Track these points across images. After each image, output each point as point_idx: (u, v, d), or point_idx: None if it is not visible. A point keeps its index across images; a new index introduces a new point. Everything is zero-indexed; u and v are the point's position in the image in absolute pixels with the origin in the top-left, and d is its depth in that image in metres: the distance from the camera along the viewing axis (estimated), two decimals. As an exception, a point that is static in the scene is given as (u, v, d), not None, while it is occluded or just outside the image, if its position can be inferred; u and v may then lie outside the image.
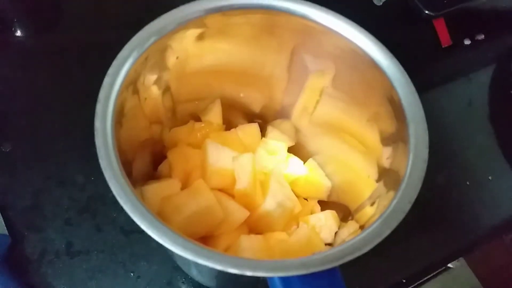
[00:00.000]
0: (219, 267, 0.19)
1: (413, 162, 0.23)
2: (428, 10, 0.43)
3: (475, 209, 0.43)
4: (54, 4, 0.52)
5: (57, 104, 0.44)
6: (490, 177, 0.45)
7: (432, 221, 0.42)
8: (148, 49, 0.24)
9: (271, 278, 0.21)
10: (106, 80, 0.23)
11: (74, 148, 0.42)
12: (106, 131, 0.22)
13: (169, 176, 0.31)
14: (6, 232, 0.38)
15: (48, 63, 0.46)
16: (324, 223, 0.31)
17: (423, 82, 0.49)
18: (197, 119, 0.34)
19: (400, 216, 0.22)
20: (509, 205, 0.44)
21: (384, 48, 0.26)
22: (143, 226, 0.20)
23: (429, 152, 0.43)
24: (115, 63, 0.24)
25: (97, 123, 0.22)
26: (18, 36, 0.49)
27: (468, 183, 0.44)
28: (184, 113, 0.33)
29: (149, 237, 0.38)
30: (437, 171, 0.44)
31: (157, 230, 0.20)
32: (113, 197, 0.39)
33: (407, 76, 0.25)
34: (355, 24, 0.26)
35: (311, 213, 0.33)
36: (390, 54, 0.26)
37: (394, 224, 0.21)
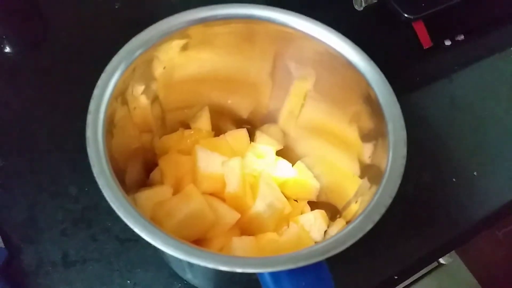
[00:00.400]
0: (210, 265, 0.20)
1: (393, 158, 0.24)
2: (407, 14, 0.45)
3: (461, 205, 0.44)
4: (42, 21, 0.53)
5: (47, 118, 0.45)
6: (475, 173, 0.46)
7: (420, 218, 0.43)
8: (135, 61, 0.26)
9: (262, 275, 0.22)
10: (96, 91, 0.24)
11: (66, 160, 0.43)
12: (97, 140, 0.23)
13: (161, 183, 0.32)
14: (2, 245, 0.38)
15: (37, 79, 0.47)
16: (314, 223, 0.32)
17: (406, 83, 0.51)
18: (187, 126, 0.35)
19: (382, 210, 0.23)
20: (494, 199, 0.45)
21: (360, 50, 0.27)
22: (137, 229, 0.21)
23: (415, 150, 0.44)
24: (103, 75, 0.25)
25: (89, 133, 0.23)
26: (7, 53, 0.50)
27: (454, 179, 0.45)
28: (173, 121, 0.34)
29: (145, 244, 0.39)
30: (423, 169, 0.46)
31: (150, 232, 0.21)
32: (108, 206, 0.40)
33: (383, 76, 0.26)
34: (331, 29, 0.28)
35: (301, 214, 0.34)
36: (366, 56, 0.27)
37: (376, 217, 0.22)
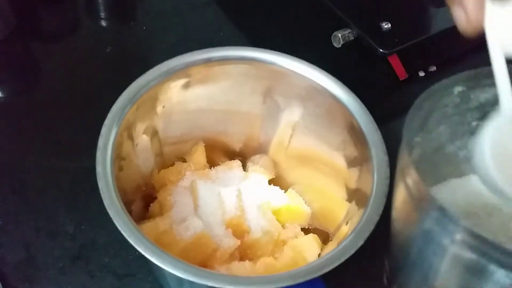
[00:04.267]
0: (218, 285, 0.22)
1: (377, 180, 0.27)
2: (382, 49, 0.49)
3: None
4: (33, 64, 0.56)
5: (40, 159, 0.46)
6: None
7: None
8: (138, 100, 0.28)
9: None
10: (104, 130, 0.27)
11: (62, 199, 0.44)
12: (106, 174, 0.25)
13: (160, 214, 0.34)
14: (0, 286, 0.39)
15: (30, 121, 0.49)
16: (308, 247, 0.34)
17: (385, 112, 0.55)
18: (183, 160, 0.38)
19: (371, 228, 0.25)
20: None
21: (342, 84, 0.31)
22: (148, 255, 0.23)
23: (393, 176, 0.48)
24: (110, 115, 0.27)
25: (99, 168, 0.25)
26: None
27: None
28: (170, 156, 0.36)
29: (142, 279, 0.40)
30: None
31: (160, 257, 0.23)
32: (104, 242, 0.42)
33: (364, 106, 0.30)
34: (315, 67, 0.31)
35: (295, 238, 0.36)
36: (348, 89, 0.30)
37: (366, 234, 0.25)
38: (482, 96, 0.28)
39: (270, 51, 0.31)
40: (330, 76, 0.31)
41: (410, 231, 0.24)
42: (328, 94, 0.31)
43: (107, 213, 0.42)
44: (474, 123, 0.28)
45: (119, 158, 0.28)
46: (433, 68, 0.58)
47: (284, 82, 0.33)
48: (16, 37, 0.56)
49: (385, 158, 0.28)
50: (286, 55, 0.31)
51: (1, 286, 0.39)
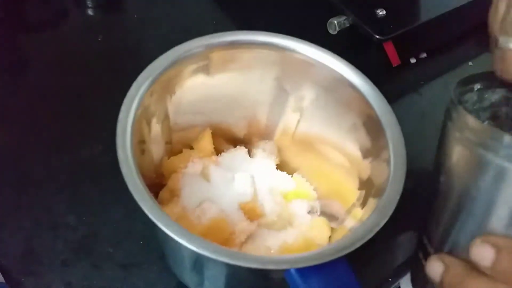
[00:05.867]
0: (246, 264, 0.22)
1: (395, 162, 0.27)
2: (378, 35, 0.50)
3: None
4: (22, 56, 0.54)
5: (39, 151, 0.45)
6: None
7: (403, 224, 0.47)
8: (153, 85, 0.28)
9: (289, 274, 0.24)
10: (121, 115, 0.26)
11: (62, 191, 0.43)
12: (128, 159, 0.24)
13: (170, 201, 0.34)
14: (2, 280, 0.38)
15: (24, 115, 0.48)
16: (318, 230, 0.34)
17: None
18: (189, 148, 0.37)
19: (393, 205, 0.26)
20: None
21: (358, 71, 0.31)
22: (179, 238, 0.23)
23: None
24: (126, 101, 0.27)
25: (120, 153, 0.25)
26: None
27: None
28: (178, 143, 0.36)
29: (148, 268, 0.40)
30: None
31: (191, 239, 0.23)
32: (107, 233, 0.41)
33: (376, 88, 0.30)
34: (330, 52, 0.31)
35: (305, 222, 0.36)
36: (363, 75, 0.31)
37: (389, 212, 0.25)
38: (493, 96, 0.29)
39: (282, 35, 0.31)
40: (343, 60, 0.31)
41: (473, 183, 0.25)
42: (341, 78, 0.31)
43: (108, 204, 0.43)
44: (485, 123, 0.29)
45: (138, 144, 0.27)
46: (424, 55, 0.59)
47: (294, 66, 0.33)
48: (2, 29, 0.54)
49: (401, 139, 0.28)
50: (301, 40, 0.32)
51: (3, 280, 0.38)
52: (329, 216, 0.37)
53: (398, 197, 0.27)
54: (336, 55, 0.31)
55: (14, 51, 0.55)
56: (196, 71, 0.31)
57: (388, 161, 0.28)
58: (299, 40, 0.32)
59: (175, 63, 0.29)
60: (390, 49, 0.53)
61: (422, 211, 0.47)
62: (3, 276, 0.38)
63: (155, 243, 0.40)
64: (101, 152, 0.46)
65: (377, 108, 0.30)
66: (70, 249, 0.40)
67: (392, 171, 0.27)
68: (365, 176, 0.32)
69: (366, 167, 0.32)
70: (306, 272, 0.23)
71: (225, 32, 0.31)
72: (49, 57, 0.53)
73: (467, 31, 0.62)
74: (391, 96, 0.57)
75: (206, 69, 0.32)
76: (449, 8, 0.55)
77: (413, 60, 0.58)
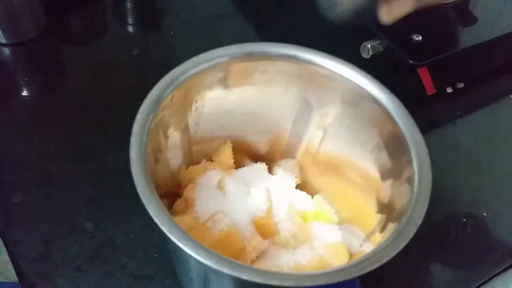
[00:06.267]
0: (257, 280, 0.21)
1: (419, 181, 0.26)
2: (412, 60, 0.48)
3: (474, 245, 0.45)
4: (60, 65, 0.56)
5: (65, 156, 0.46)
6: (484, 214, 0.47)
7: (433, 258, 0.44)
8: (174, 91, 0.28)
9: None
10: (139, 117, 0.26)
11: (83, 197, 0.44)
12: (141, 160, 0.24)
13: (185, 212, 0.33)
14: (17, 281, 0.38)
15: (55, 120, 0.49)
16: (336, 255, 0.33)
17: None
18: (209, 160, 0.37)
19: (413, 230, 0.24)
20: (505, 240, 0.46)
21: (381, 85, 0.30)
22: (181, 243, 0.22)
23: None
24: (145, 102, 0.27)
25: (133, 154, 0.24)
26: (24, 96, 0.52)
27: (464, 219, 0.47)
28: (198, 155, 0.36)
29: (160, 280, 0.39)
30: (435, 209, 0.47)
31: (193, 246, 0.22)
32: (123, 243, 0.41)
33: (403, 107, 0.29)
34: (354, 66, 0.30)
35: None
36: (388, 90, 0.29)
37: (408, 236, 0.24)
38: None
39: (309, 49, 0.31)
40: (369, 76, 0.30)
41: None
42: (366, 95, 0.30)
43: (127, 214, 0.42)
44: None
45: (153, 149, 0.27)
46: (461, 85, 0.57)
47: (320, 82, 0.32)
48: (46, 38, 0.57)
49: (427, 160, 0.27)
50: (324, 53, 0.31)
51: (17, 280, 0.38)
52: (349, 241, 0.35)
53: (420, 220, 0.25)
54: (359, 69, 0.30)
55: (56, 60, 0.57)
56: (217, 82, 0.31)
57: (411, 182, 0.26)
58: (321, 53, 0.31)
59: (196, 71, 0.29)
60: (425, 76, 0.51)
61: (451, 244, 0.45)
62: (17, 276, 0.38)
63: (168, 257, 0.39)
64: (125, 161, 0.46)
65: (402, 124, 0.28)
66: (86, 255, 0.40)
67: (415, 192, 0.26)
68: (386, 199, 0.30)
69: (387, 190, 0.30)
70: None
71: (247, 43, 0.30)
72: (87, 68, 0.55)
73: (508, 63, 0.60)
74: (425, 125, 0.55)
75: (226, 81, 0.32)
76: (488, 38, 0.53)
77: (449, 90, 0.57)
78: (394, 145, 0.29)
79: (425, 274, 0.43)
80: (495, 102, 0.57)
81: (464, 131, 0.54)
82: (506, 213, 0.48)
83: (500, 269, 0.45)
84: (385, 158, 0.31)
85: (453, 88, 0.57)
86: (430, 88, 0.53)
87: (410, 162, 0.27)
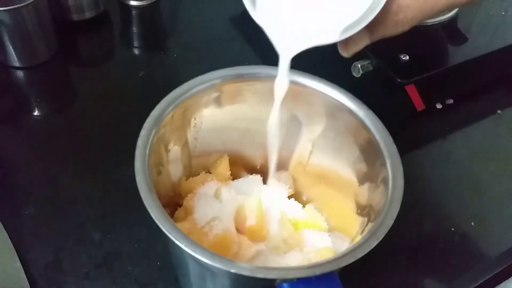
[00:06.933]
0: (241, 272, 0.24)
1: (392, 188, 0.29)
2: (399, 79, 0.52)
3: (461, 254, 0.48)
4: (71, 86, 0.60)
5: (76, 172, 0.50)
6: (472, 223, 0.50)
7: (423, 266, 0.46)
8: (174, 110, 0.31)
9: (280, 286, 0.25)
10: (143, 132, 0.29)
11: (91, 209, 0.47)
12: (144, 170, 0.27)
13: (185, 220, 0.36)
14: (29, 287, 0.41)
15: (65, 137, 0.53)
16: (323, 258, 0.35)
17: (403, 142, 0.56)
18: (207, 172, 0.40)
19: (385, 230, 0.27)
20: (492, 248, 0.48)
21: (358, 100, 0.33)
22: (177, 240, 0.25)
23: (415, 203, 0.49)
24: (149, 119, 0.30)
25: (137, 164, 0.28)
26: (36, 115, 0.56)
27: (453, 229, 0.49)
28: (197, 167, 0.39)
29: (163, 287, 0.42)
30: (424, 219, 0.49)
31: (188, 242, 0.25)
32: (129, 252, 0.44)
33: (379, 120, 0.32)
34: (335, 85, 0.34)
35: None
36: (365, 106, 0.33)
37: (380, 236, 0.26)
38: None
39: (294, 70, 0.34)
40: (348, 93, 0.34)
41: None
42: (347, 110, 0.33)
43: (132, 225, 0.45)
44: None
45: (155, 162, 0.30)
46: (450, 101, 0.60)
47: (306, 99, 0.35)
48: (57, 60, 0.61)
49: (400, 169, 0.30)
50: (309, 74, 0.34)
51: (29, 287, 0.41)
52: (338, 247, 0.38)
53: (391, 222, 0.28)
54: (336, 86, 0.34)
55: (66, 82, 0.61)
56: (212, 102, 0.35)
57: (386, 184, 0.29)
58: (304, 73, 0.34)
59: (194, 92, 0.32)
60: (413, 93, 0.54)
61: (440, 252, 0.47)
62: (29, 283, 0.41)
63: (171, 265, 0.42)
64: (131, 175, 0.49)
65: (374, 131, 0.31)
66: (93, 263, 0.43)
67: (389, 195, 0.29)
68: (366, 203, 0.33)
69: (367, 194, 0.33)
70: (297, 285, 0.25)
71: (239, 66, 0.34)
72: (95, 88, 0.59)
73: (497, 79, 0.63)
74: (416, 139, 0.59)
75: (221, 101, 0.35)
76: (474, 55, 0.56)
77: (439, 106, 0.59)
78: (370, 152, 0.32)
79: (414, 281, 0.45)
80: (483, 117, 0.60)
81: (453, 145, 0.57)
82: (493, 222, 0.50)
83: (488, 277, 0.47)
84: (363, 165, 0.34)
85: (442, 104, 0.59)
86: (419, 104, 0.56)
87: (384, 165, 0.30)
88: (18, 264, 0.42)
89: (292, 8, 0.31)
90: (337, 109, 0.34)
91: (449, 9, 0.54)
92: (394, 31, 0.34)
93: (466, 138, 0.58)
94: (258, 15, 0.30)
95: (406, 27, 0.34)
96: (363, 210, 0.34)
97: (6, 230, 0.43)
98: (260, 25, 0.31)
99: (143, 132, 0.30)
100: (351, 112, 0.33)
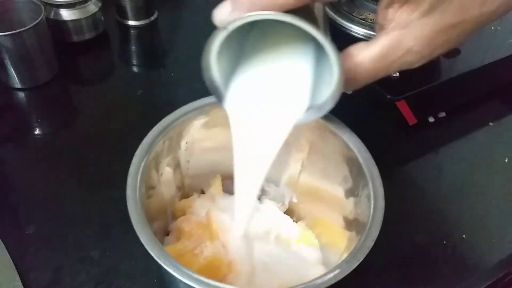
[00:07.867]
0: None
1: (374, 209, 0.30)
2: (390, 95, 0.53)
3: (453, 266, 0.48)
4: (72, 105, 0.62)
5: (75, 191, 0.51)
6: (464, 236, 0.51)
7: (415, 278, 0.47)
8: (165, 136, 0.33)
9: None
10: (135, 159, 0.31)
11: (90, 228, 0.48)
12: (136, 197, 0.29)
13: (177, 240, 0.38)
14: (30, 305, 0.42)
15: (66, 156, 0.55)
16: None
17: (396, 157, 0.58)
18: (201, 192, 0.42)
19: (365, 251, 0.28)
20: (483, 260, 0.49)
21: (342, 123, 0.34)
22: (168, 267, 0.26)
23: (408, 216, 0.50)
24: (141, 147, 0.32)
25: (129, 192, 0.29)
26: (37, 134, 0.58)
27: (444, 242, 0.50)
28: (190, 188, 0.40)
29: (160, 303, 0.43)
30: (417, 232, 0.50)
31: (180, 271, 0.26)
32: (127, 269, 0.46)
33: (362, 143, 0.33)
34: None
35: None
36: (348, 128, 0.34)
37: (360, 257, 0.28)
38: None
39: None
40: (332, 116, 0.35)
41: None
42: (332, 132, 0.34)
43: (130, 242, 0.47)
44: None
45: (147, 186, 0.32)
46: (443, 114, 0.61)
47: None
48: (58, 80, 0.63)
49: (380, 190, 0.31)
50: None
51: (31, 305, 0.42)
52: (329, 262, 0.39)
53: (372, 244, 0.29)
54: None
55: (66, 102, 0.63)
56: (202, 126, 0.36)
57: (369, 200, 0.31)
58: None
59: (184, 118, 0.34)
60: (404, 108, 0.56)
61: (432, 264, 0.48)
62: (31, 301, 0.43)
63: (167, 282, 0.43)
64: (129, 194, 0.51)
65: (355, 149, 0.32)
66: (92, 281, 0.45)
67: (371, 215, 0.30)
68: (353, 218, 0.34)
69: (354, 210, 0.34)
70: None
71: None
72: (95, 108, 0.60)
73: (488, 92, 0.64)
74: (408, 153, 0.60)
75: (210, 125, 0.37)
76: (466, 69, 0.57)
77: (431, 119, 0.60)
78: (355, 169, 0.33)
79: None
80: (476, 130, 0.61)
81: (446, 158, 0.58)
82: (484, 235, 0.51)
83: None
84: (350, 182, 0.35)
85: (434, 118, 0.61)
86: (411, 119, 0.58)
87: (367, 185, 0.31)
88: (19, 283, 0.43)
89: None
90: (320, 129, 0.35)
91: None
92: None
93: (458, 150, 0.59)
94: None
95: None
96: (350, 225, 0.35)
97: (7, 249, 0.45)
98: None
99: (135, 159, 0.31)
100: (335, 134, 0.34)
